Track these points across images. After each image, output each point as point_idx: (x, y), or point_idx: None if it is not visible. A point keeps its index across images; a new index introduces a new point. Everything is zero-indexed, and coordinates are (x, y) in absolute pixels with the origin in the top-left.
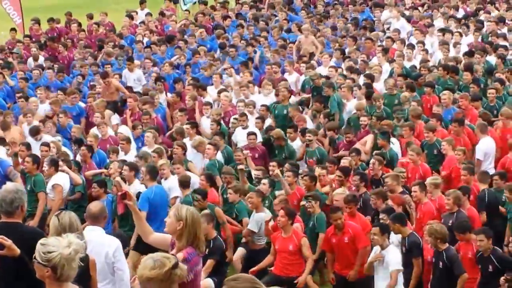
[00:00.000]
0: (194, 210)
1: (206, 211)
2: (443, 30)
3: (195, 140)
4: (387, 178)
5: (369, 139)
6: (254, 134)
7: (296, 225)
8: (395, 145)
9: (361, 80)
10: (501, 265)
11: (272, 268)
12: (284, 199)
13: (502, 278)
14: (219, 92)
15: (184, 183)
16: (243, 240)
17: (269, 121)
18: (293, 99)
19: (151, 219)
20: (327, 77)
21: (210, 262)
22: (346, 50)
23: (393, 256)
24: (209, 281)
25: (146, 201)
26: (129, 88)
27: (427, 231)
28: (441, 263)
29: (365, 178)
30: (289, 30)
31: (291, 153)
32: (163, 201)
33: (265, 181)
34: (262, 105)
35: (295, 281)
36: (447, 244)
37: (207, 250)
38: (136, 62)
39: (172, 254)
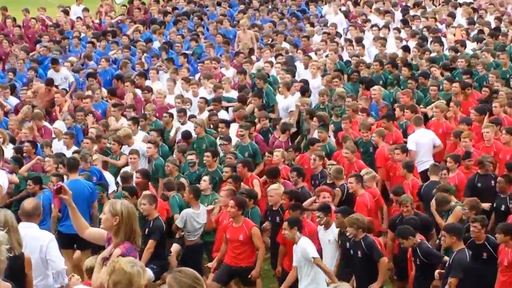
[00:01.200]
0: (129, 204)
1: (148, 192)
2: (376, 26)
3: (124, 131)
4: (332, 172)
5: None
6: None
7: None
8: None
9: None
10: (426, 258)
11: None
12: (232, 189)
13: (436, 272)
14: (143, 90)
15: (124, 179)
16: (177, 235)
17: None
18: (234, 94)
19: (64, 214)
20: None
21: (150, 242)
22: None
23: (308, 245)
24: (148, 271)
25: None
26: (57, 87)
27: (347, 222)
28: (359, 252)
29: (302, 173)
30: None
31: (211, 144)
32: (78, 195)
33: (206, 177)
34: (201, 98)
35: (249, 276)
36: (364, 233)
37: (146, 230)
38: (66, 59)
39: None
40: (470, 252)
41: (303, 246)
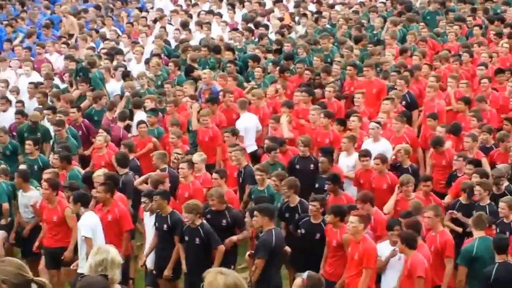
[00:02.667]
0: None
1: None
2: (202, 10)
3: None
4: (155, 155)
5: None
6: (20, 113)
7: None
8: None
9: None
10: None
11: None
12: (55, 172)
13: (247, 254)
14: None
15: None
16: (2, 222)
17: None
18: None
19: None
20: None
21: None
22: (101, 30)
23: (86, 222)
24: None
25: None
26: None
27: (185, 208)
28: (197, 239)
29: (126, 160)
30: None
31: (45, 132)
32: None
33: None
34: (30, 83)
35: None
36: (201, 220)
37: None
38: None
39: None
40: (279, 234)
41: (81, 221)
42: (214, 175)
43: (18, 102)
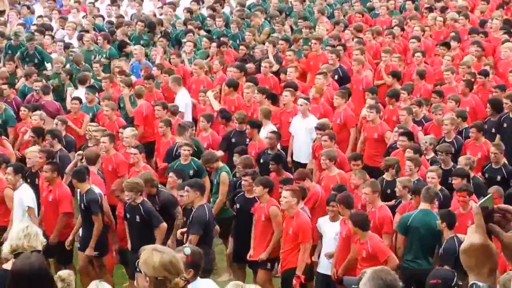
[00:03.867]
0: None
1: None
2: None
3: None
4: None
5: None
6: None
7: None
8: None
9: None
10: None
11: None
12: None
13: (179, 232)
14: None
15: None
16: None
17: None
18: None
19: None
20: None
21: None
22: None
23: (24, 195)
24: None
25: None
26: None
27: (126, 186)
28: (138, 217)
29: (60, 137)
30: None
31: None
32: None
33: None
34: None
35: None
36: (142, 198)
37: None
38: None
39: None
40: (210, 210)
41: (22, 193)
42: (133, 150)
43: None
